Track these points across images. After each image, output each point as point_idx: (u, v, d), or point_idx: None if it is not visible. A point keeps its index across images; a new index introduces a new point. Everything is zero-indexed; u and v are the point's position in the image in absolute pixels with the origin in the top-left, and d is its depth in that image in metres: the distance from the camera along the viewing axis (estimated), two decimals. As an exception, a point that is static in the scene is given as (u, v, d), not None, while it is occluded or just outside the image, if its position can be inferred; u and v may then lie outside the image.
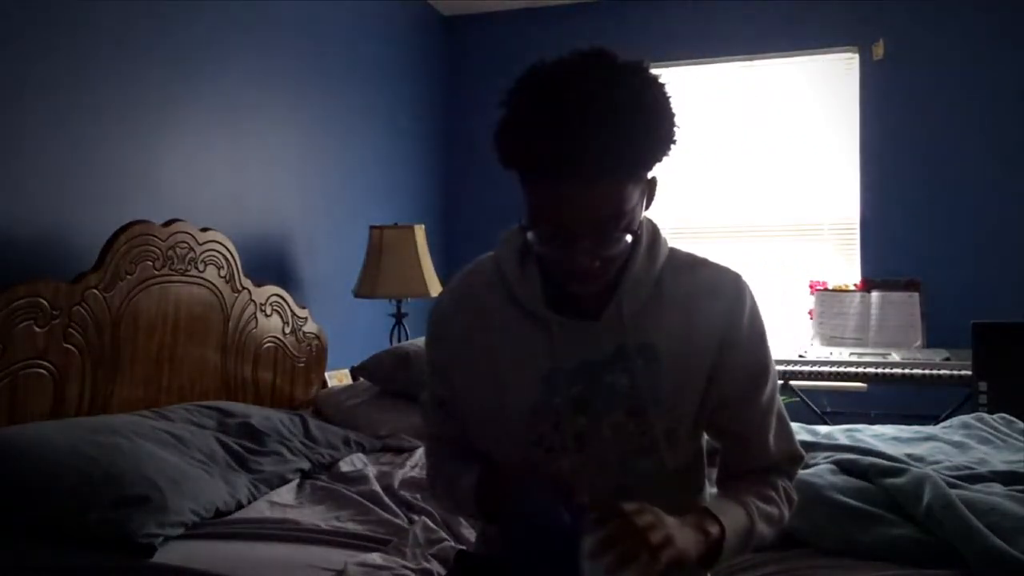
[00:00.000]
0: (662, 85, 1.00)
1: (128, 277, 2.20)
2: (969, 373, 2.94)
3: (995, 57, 3.61)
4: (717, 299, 1.13)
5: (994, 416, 2.31)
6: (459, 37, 4.41)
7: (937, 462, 1.88)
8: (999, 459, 1.94)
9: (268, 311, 2.74)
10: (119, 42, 2.36)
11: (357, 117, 3.62)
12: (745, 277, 1.17)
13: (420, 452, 2.34)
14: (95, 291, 2.11)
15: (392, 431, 2.53)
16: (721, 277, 1.15)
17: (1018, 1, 3.58)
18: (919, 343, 3.40)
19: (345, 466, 2.20)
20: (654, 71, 1.01)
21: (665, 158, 1.02)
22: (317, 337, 2.98)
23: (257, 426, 2.22)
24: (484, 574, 1.23)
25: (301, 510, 1.90)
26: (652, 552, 0.93)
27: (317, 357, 2.99)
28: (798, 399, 3.40)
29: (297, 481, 2.09)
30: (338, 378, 3.14)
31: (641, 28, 4.05)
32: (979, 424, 2.25)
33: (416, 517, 1.82)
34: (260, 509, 1.88)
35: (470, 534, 1.71)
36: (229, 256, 2.56)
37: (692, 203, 4.10)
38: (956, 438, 2.14)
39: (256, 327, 2.68)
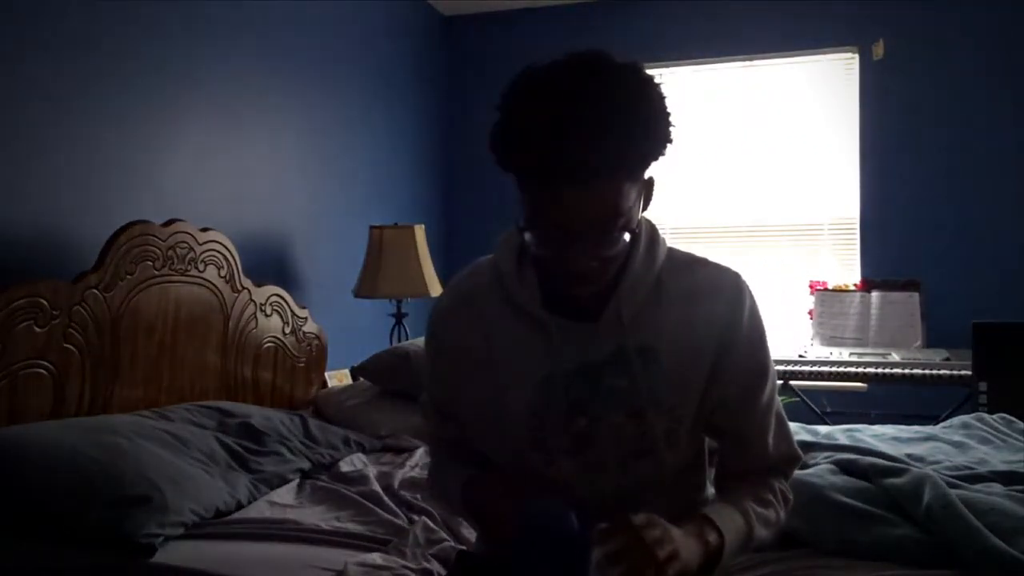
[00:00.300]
0: (657, 85, 1.00)
1: (128, 277, 2.20)
2: (969, 373, 2.94)
3: (995, 57, 3.61)
4: (717, 299, 1.12)
5: (994, 416, 2.31)
6: (459, 37, 4.41)
7: (937, 462, 1.88)
8: (999, 459, 1.94)
9: (268, 311, 2.74)
10: (119, 42, 2.36)
11: (357, 117, 3.62)
12: (744, 277, 1.17)
13: (420, 452, 2.35)
14: (95, 291, 2.11)
15: (392, 431, 2.53)
16: (721, 277, 1.15)
17: (1018, 1, 3.58)
18: (919, 343, 3.40)
19: (345, 466, 2.20)
20: (649, 72, 1.01)
21: (662, 157, 1.02)
22: (317, 337, 2.98)
23: (257, 426, 2.22)
24: (484, 574, 1.23)
25: (301, 510, 1.90)
26: (658, 568, 0.94)
27: (317, 357, 2.99)
28: (798, 399, 3.40)
29: (297, 481, 2.09)
30: (338, 378, 3.13)
31: (641, 28, 4.05)
32: (979, 424, 2.25)
33: (416, 517, 1.82)
34: (260, 509, 1.88)
35: (470, 534, 1.71)
36: (229, 256, 2.56)
37: (692, 203, 4.10)
38: (956, 438, 2.14)
39: (256, 327, 2.68)
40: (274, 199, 3.08)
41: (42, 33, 2.12)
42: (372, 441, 2.46)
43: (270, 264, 3.02)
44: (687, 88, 4.12)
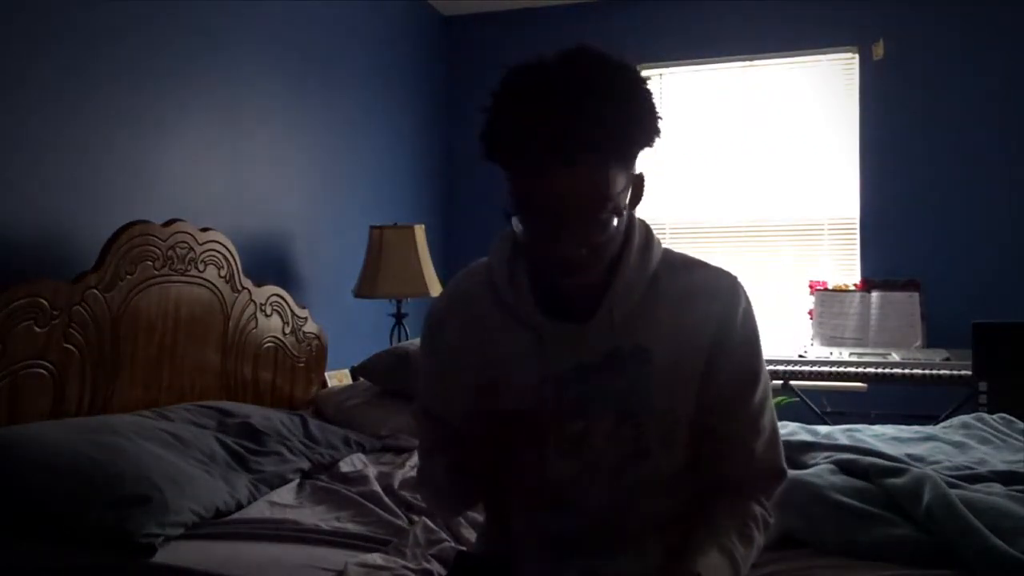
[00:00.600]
0: (644, 79, 1.02)
1: (128, 277, 2.20)
2: (969, 373, 2.94)
3: (995, 57, 3.61)
4: (712, 300, 1.12)
5: (994, 416, 2.31)
6: (459, 37, 4.41)
7: (937, 462, 1.88)
8: (999, 459, 1.94)
9: (268, 311, 2.74)
10: (119, 42, 2.36)
11: (357, 117, 3.62)
12: (741, 279, 1.16)
13: (420, 452, 2.34)
14: (95, 291, 2.11)
15: (392, 431, 2.53)
16: (717, 279, 1.14)
17: (1018, 1, 3.58)
18: (919, 343, 3.40)
19: (345, 466, 2.20)
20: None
21: (648, 148, 1.02)
22: (317, 337, 2.98)
23: (257, 426, 2.22)
24: (484, 574, 1.23)
25: (301, 510, 1.90)
26: None
27: (317, 357, 2.99)
28: (798, 399, 3.40)
29: (297, 481, 2.09)
30: (338, 378, 3.14)
31: (641, 28, 4.05)
32: (979, 424, 2.26)
33: (416, 517, 1.82)
34: (260, 509, 1.88)
35: (470, 535, 1.71)
36: (229, 256, 2.56)
37: (692, 203, 4.10)
38: (956, 438, 2.14)
39: (256, 327, 2.68)
40: (274, 199, 3.08)
41: (42, 34, 2.12)
42: (372, 441, 2.46)
43: (270, 264, 3.02)
44: (687, 88, 4.11)
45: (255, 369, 2.68)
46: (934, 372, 3.03)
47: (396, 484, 2.05)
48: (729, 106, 4.05)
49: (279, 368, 2.79)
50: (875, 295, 3.54)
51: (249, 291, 2.65)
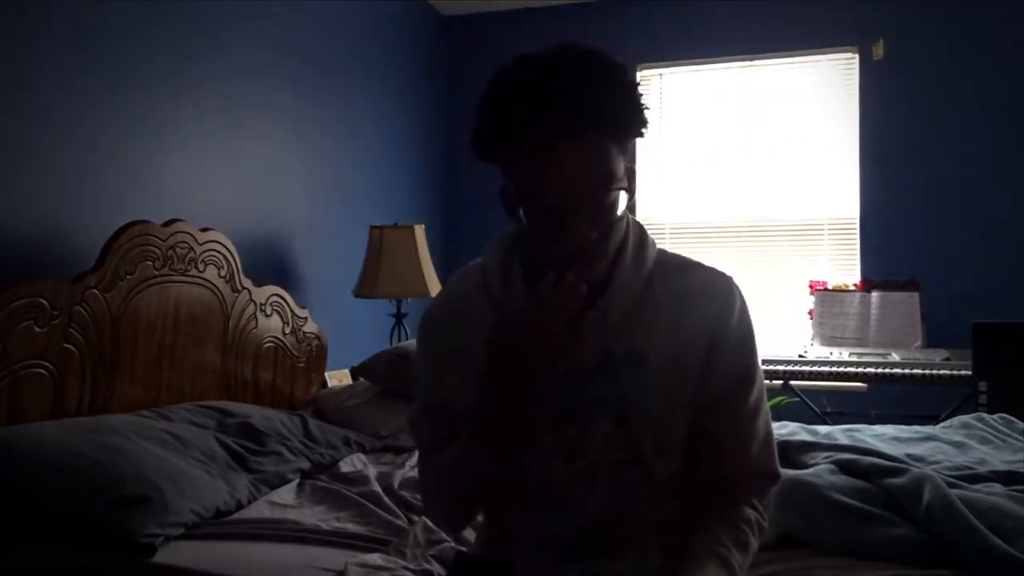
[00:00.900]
0: (633, 73, 1.04)
1: (128, 277, 2.20)
2: (969, 373, 2.94)
3: (994, 57, 3.61)
4: (708, 301, 1.11)
5: (994, 416, 2.31)
6: (459, 37, 4.41)
7: (937, 462, 1.88)
8: (999, 459, 1.94)
9: (268, 311, 2.74)
10: (119, 43, 2.36)
11: (357, 117, 3.62)
12: (737, 280, 1.15)
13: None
14: (95, 291, 2.11)
15: (392, 431, 2.53)
16: (713, 279, 1.14)
17: (1018, 1, 3.58)
18: (919, 343, 3.40)
19: (345, 466, 2.20)
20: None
21: (639, 137, 1.04)
22: (317, 337, 2.98)
23: (257, 426, 2.22)
24: (484, 575, 1.23)
25: (301, 510, 1.90)
26: None
27: (317, 357, 2.99)
28: (798, 399, 3.40)
29: (297, 481, 2.09)
30: (338, 378, 3.14)
31: (641, 29, 4.05)
32: (979, 424, 2.26)
33: (416, 518, 1.82)
34: (260, 509, 1.88)
35: (470, 535, 1.71)
36: (229, 256, 2.56)
37: (693, 203, 4.10)
38: (956, 438, 2.14)
39: (256, 327, 2.68)
40: (274, 199, 3.08)
41: (43, 34, 2.12)
42: (372, 441, 2.47)
43: (270, 264, 3.02)
44: (687, 88, 4.12)
45: (255, 369, 2.68)
46: (934, 372, 3.03)
47: (396, 484, 2.05)
48: (729, 106, 4.05)
49: (279, 368, 2.79)
50: (875, 295, 3.54)
51: (249, 291, 2.65)
